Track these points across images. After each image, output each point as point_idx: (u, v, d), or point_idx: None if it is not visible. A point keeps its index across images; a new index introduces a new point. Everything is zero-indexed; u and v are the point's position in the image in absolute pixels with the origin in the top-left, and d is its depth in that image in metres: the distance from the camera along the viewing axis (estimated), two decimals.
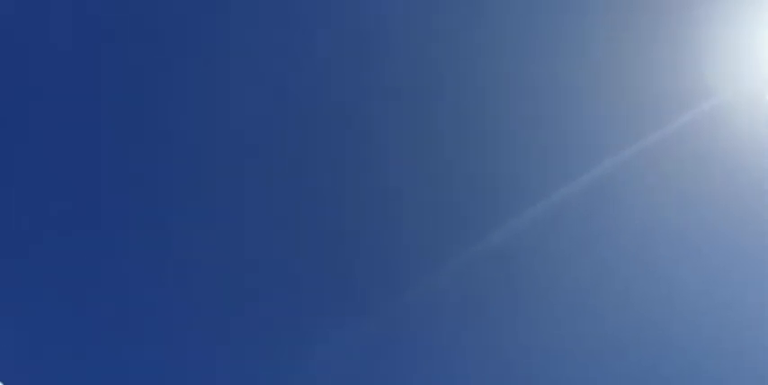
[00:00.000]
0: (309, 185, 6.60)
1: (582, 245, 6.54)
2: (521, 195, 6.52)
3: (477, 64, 6.75)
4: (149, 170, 6.52)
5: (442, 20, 6.76)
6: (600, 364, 6.33)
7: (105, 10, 6.57)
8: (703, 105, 6.53)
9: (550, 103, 6.65)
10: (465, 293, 6.42)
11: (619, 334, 6.38)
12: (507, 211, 6.45)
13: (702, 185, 6.59)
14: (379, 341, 6.29)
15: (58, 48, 6.47)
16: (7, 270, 6.20)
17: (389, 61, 6.74)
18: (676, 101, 6.56)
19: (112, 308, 6.26)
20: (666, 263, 6.49)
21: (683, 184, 6.58)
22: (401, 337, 6.30)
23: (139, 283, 6.33)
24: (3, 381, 5.93)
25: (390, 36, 6.76)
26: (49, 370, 6.12)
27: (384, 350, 6.29)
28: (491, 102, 6.70)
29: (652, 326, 6.37)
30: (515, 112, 6.67)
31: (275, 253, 6.49)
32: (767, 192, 6.54)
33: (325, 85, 6.68)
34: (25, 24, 6.47)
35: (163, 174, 6.55)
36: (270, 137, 6.64)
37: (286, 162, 6.62)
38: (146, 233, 6.44)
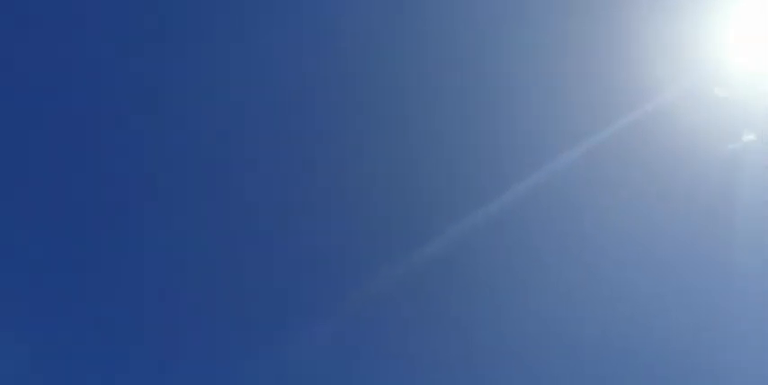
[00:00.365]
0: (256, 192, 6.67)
1: (527, 246, 6.68)
2: (467, 198, 6.57)
3: (420, 65, 6.77)
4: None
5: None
6: (544, 365, 6.46)
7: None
8: (647, 105, 6.58)
9: (492, 105, 6.70)
10: (413, 296, 6.55)
11: (564, 335, 6.45)
12: (452, 215, 6.52)
13: (648, 185, 6.67)
14: (331, 342, 6.43)
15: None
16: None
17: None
18: (620, 101, 6.60)
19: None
20: (612, 263, 6.57)
21: (628, 184, 6.66)
22: (351, 338, 6.46)
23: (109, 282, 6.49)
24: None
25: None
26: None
27: (335, 350, 6.44)
28: (433, 104, 6.72)
29: (599, 327, 6.45)
30: (458, 114, 6.70)
31: (232, 259, 6.62)
32: (713, 189, 6.54)
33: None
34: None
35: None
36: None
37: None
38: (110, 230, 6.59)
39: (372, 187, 6.69)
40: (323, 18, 6.71)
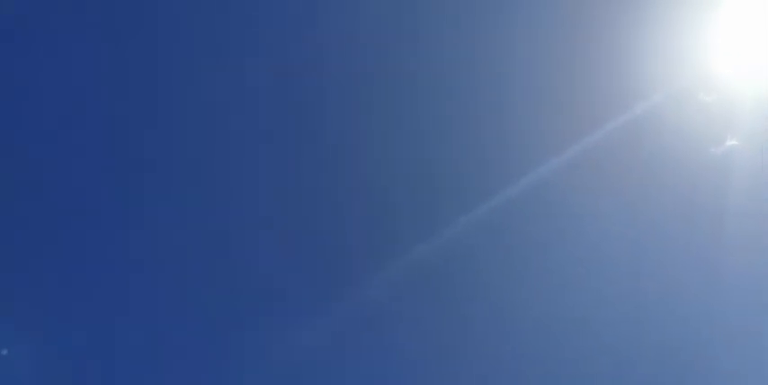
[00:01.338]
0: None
1: (520, 249, 6.78)
2: (458, 200, 6.65)
3: (413, 65, 6.76)
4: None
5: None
6: (531, 370, 6.62)
7: None
8: (637, 107, 6.65)
9: (486, 107, 6.76)
10: (406, 299, 6.63)
11: (563, 335, 6.61)
12: (445, 217, 6.60)
13: (639, 186, 6.76)
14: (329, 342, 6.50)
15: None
16: None
17: None
18: (610, 103, 6.70)
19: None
20: (602, 263, 6.68)
21: (620, 186, 6.73)
22: (349, 338, 6.54)
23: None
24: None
25: None
26: None
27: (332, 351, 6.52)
28: (425, 106, 6.75)
29: (596, 328, 6.61)
30: (450, 116, 6.75)
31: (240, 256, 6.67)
32: (698, 192, 6.68)
33: None
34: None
35: None
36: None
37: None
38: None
39: (370, 189, 6.75)
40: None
